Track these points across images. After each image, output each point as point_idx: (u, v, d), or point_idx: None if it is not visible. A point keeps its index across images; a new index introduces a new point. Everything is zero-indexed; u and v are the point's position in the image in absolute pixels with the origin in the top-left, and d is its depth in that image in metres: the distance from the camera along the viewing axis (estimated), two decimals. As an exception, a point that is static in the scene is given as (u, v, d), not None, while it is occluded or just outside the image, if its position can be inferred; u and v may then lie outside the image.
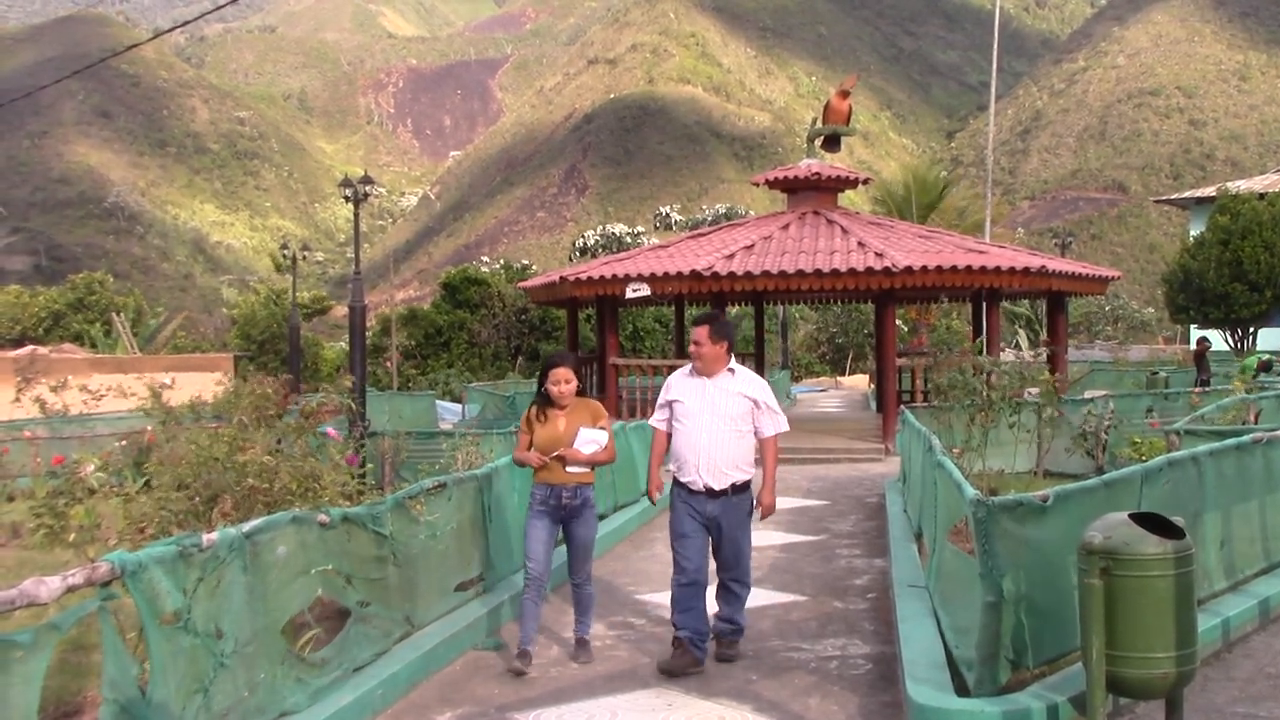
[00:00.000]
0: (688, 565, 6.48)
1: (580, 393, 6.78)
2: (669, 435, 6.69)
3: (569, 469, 6.64)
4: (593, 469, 6.80)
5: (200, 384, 19.89)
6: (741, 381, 6.58)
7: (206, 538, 4.80)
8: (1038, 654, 5.44)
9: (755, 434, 6.57)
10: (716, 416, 6.46)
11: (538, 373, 6.95)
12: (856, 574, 9.13)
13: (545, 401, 6.72)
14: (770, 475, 6.61)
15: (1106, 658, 4.59)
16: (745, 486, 6.57)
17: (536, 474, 6.73)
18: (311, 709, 5.36)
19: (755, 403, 6.51)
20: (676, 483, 6.60)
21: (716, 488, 6.44)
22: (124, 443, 12.36)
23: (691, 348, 6.60)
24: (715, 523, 6.50)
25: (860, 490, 14.09)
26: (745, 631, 6.80)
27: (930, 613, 6.79)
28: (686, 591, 6.48)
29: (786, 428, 6.67)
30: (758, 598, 8.20)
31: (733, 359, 6.63)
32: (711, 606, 6.67)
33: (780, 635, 7.22)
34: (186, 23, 22.71)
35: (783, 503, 12.97)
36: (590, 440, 6.63)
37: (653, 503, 7.11)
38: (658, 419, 6.78)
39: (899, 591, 7.48)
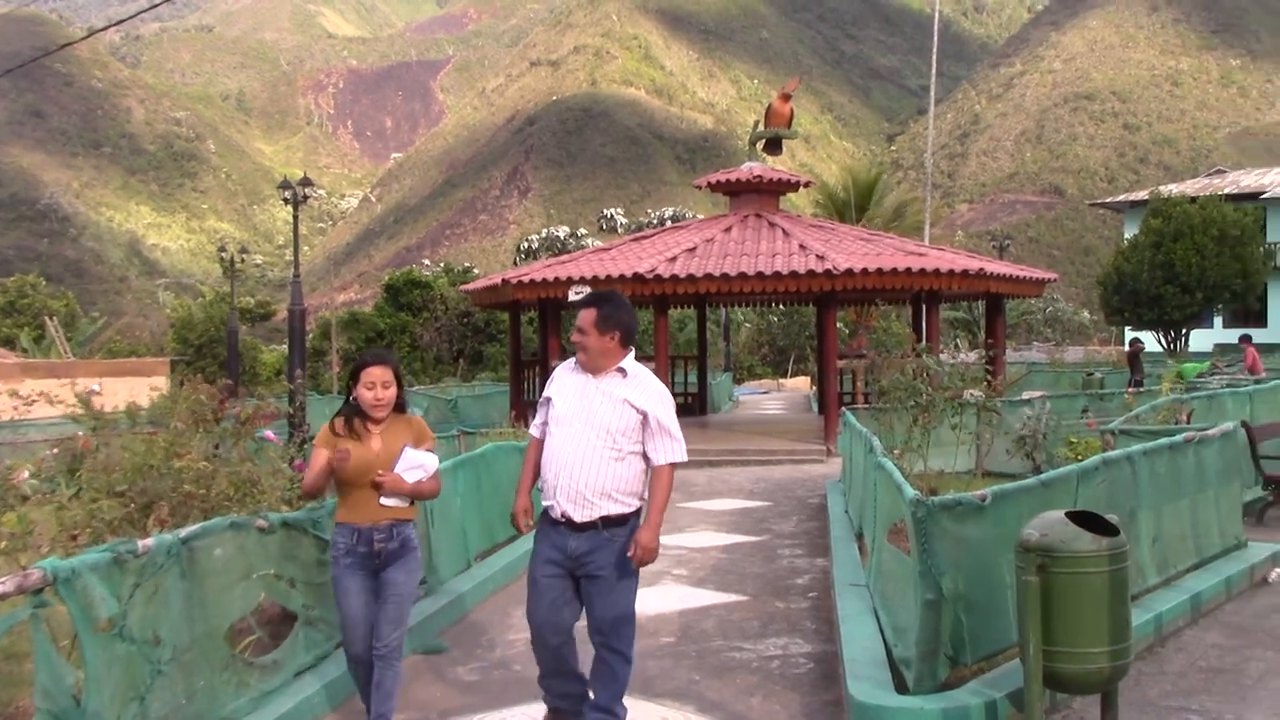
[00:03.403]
0: (539, 621, 4.99)
1: (400, 407, 5.28)
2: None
3: (384, 501, 5.11)
4: (413, 503, 5.27)
5: (136, 389, 19.58)
6: (633, 387, 4.95)
7: (142, 544, 4.73)
8: (976, 651, 5.51)
9: (645, 459, 4.99)
10: (590, 426, 4.90)
11: (346, 378, 5.44)
12: (798, 574, 9.18)
13: (355, 412, 5.17)
14: (656, 512, 4.92)
15: (1043, 654, 4.66)
16: (623, 522, 4.93)
17: (338, 513, 5.21)
18: (251, 715, 5.30)
19: (645, 417, 4.92)
20: (543, 510, 5.09)
21: (578, 519, 4.88)
22: (56, 450, 12.14)
23: (575, 336, 4.99)
24: (581, 566, 4.92)
25: (802, 491, 14.17)
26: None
27: (871, 611, 6.84)
28: (546, 654, 5.04)
29: (683, 458, 4.99)
30: (700, 598, 8.24)
31: (630, 356, 5.02)
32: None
33: (723, 635, 7.24)
34: (121, 21, 22.28)
35: (725, 504, 13.09)
36: (415, 464, 5.15)
37: (519, 530, 5.25)
38: (536, 423, 5.21)
39: (840, 591, 7.53)
